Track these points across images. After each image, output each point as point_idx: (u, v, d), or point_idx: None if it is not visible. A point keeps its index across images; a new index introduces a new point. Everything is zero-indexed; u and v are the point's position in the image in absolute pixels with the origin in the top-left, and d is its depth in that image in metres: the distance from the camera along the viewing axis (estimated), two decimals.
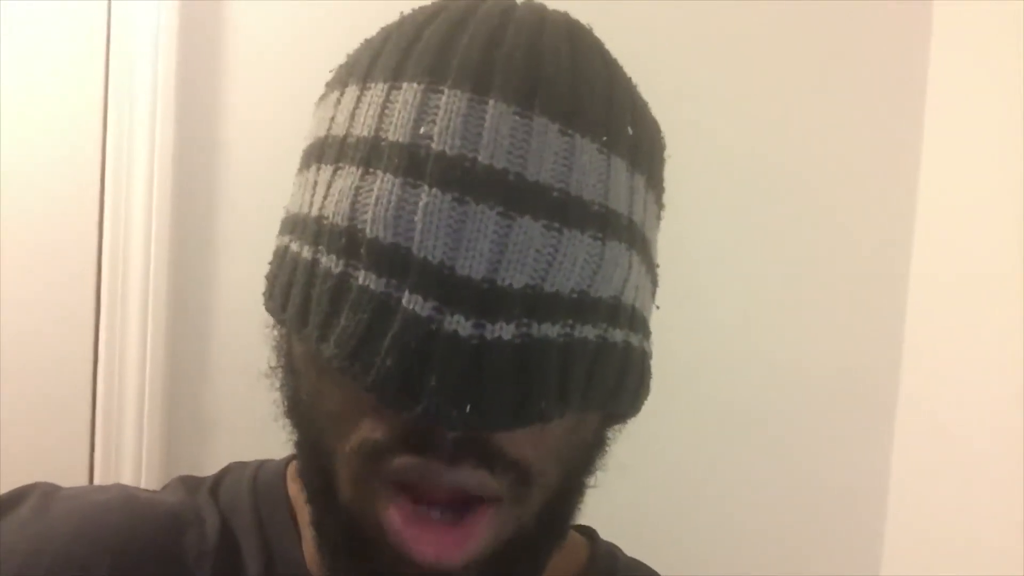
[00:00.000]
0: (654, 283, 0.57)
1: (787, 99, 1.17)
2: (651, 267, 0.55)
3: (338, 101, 0.51)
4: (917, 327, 1.20)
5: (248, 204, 0.94)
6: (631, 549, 0.67)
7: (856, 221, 1.19)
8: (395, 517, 0.47)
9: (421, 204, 0.44)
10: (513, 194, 0.45)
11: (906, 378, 1.21)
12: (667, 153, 0.57)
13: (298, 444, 0.54)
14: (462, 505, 0.48)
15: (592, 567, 0.62)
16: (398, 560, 0.47)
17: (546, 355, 0.46)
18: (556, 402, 0.46)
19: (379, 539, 0.48)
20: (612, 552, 0.65)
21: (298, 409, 0.53)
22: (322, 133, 0.52)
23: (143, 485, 0.91)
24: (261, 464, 0.63)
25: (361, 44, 0.55)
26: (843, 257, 1.19)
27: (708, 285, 1.15)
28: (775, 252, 1.17)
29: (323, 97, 0.55)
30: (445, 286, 0.44)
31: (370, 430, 0.47)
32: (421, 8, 0.52)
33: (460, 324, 0.44)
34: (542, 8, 0.52)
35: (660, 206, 0.56)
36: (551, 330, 0.46)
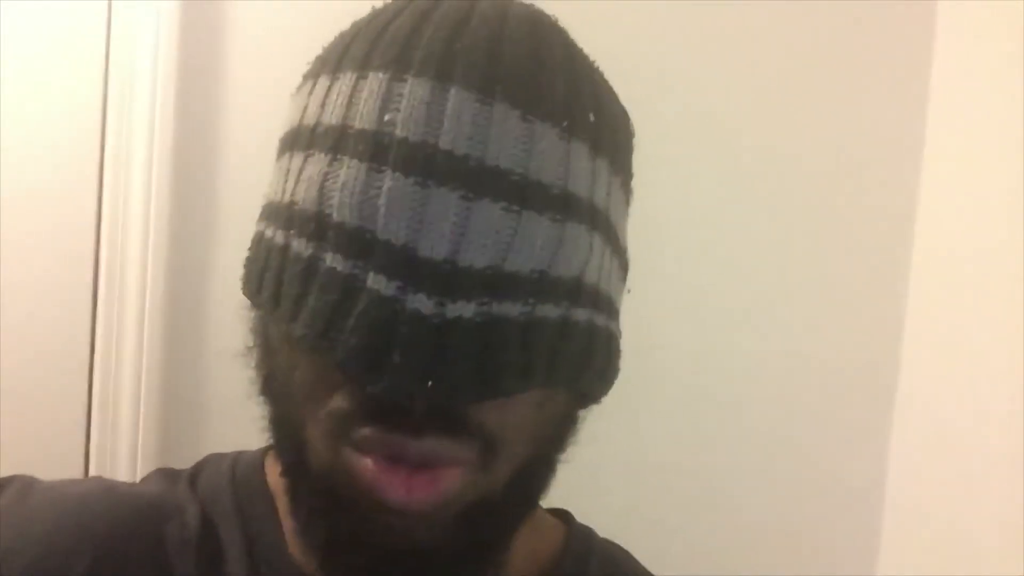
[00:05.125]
0: (623, 267, 0.58)
1: (790, 95, 1.17)
2: (618, 250, 0.56)
3: (311, 91, 0.53)
4: (917, 322, 1.20)
5: (245, 197, 0.96)
6: (627, 545, 0.68)
7: (857, 215, 1.19)
8: (367, 465, 0.48)
9: (384, 188, 0.46)
10: (473, 178, 0.46)
11: (905, 373, 1.20)
12: (637, 141, 0.59)
13: (272, 419, 0.56)
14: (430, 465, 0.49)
15: (568, 548, 0.64)
16: (372, 507, 0.49)
17: (507, 332, 0.47)
18: (519, 378, 0.48)
19: (352, 491, 0.49)
20: (587, 534, 0.66)
21: (273, 385, 0.54)
22: (295, 122, 0.53)
23: (139, 473, 0.93)
24: (239, 455, 0.64)
25: (335, 37, 0.57)
26: (843, 252, 1.19)
27: (706, 278, 1.15)
28: (775, 246, 1.17)
29: (299, 88, 0.56)
30: (408, 267, 0.45)
31: (341, 401, 0.49)
32: (391, 3, 0.54)
33: (422, 303, 0.45)
34: (507, 1, 0.54)
35: (628, 191, 0.58)
36: (512, 308, 0.47)
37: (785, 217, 1.17)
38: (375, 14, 0.53)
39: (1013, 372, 1.05)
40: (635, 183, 0.60)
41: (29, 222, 0.99)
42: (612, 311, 0.56)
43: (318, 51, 0.59)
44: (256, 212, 0.60)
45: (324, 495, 0.51)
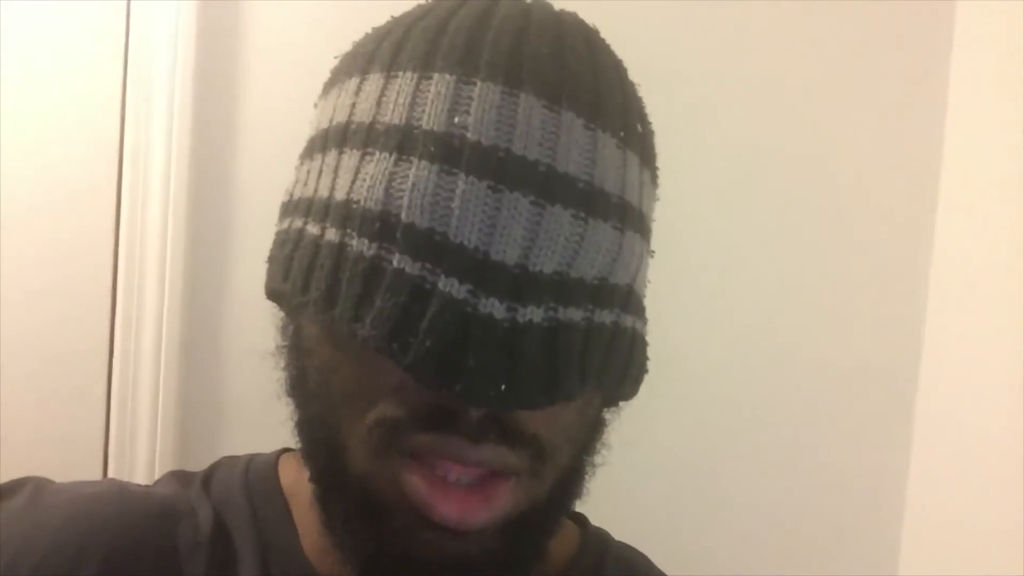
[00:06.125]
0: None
1: (808, 98, 1.18)
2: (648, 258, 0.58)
3: (358, 89, 0.52)
4: (937, 324, 1.19)
5: (263, 198, 0.94)
6: (651, 550, 0.69)
7: (877, 217, 1.20)
8: (418, 482, 0.48)
9: (458, 191, 0.46)
10: (544, 184, 0.46)
11: (925, 375, 1.20)
12: (664, 147, 0.60)
13: (301, 422, 0.54)
14: (481, 479, 0.49)
15: (583, 551, 0.64)
16: (418, 522, 0.48)
17: (571, 338, 0.48)
18: (578, 382, 0.48)
19: (397, 504, 0.49)
20: (603, 536, 0.67)
21: (305, 387, 0.53)
22: (342, 119, 0.52)
23: (156, 475, 0.91)
24: (252, 457, 0.63)
25: (370, 34, 0.56)
26: (863, 253, 1.19)
27: (728, 281, 1.16)
28: (796, 249, 1.18)
29: (334, 84, 0.55)
30: (480, 270, 0.45)
31: (390, 407, 0.48)
32: (436, 2, 0.54)
33: (495, 307, 0.45)
34: (554, 9, 0.54)
35: (656, 200, 0.59)
36: (575, 314, 0.48)
37: (804, 221, 1.18)
38: (422, 13, 0.53)
39: None
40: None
41: (48, 225, 0.97)
42: (645, 317, 0.58)
43: (335, 52, 0.58)
44: (273, 207, 0.59)
45: (361, 504, 0.50)
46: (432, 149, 0.46)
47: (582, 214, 0.47)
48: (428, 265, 0.46)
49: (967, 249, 1.18)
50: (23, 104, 0.96)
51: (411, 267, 0.46)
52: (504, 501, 0.49)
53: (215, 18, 1.00)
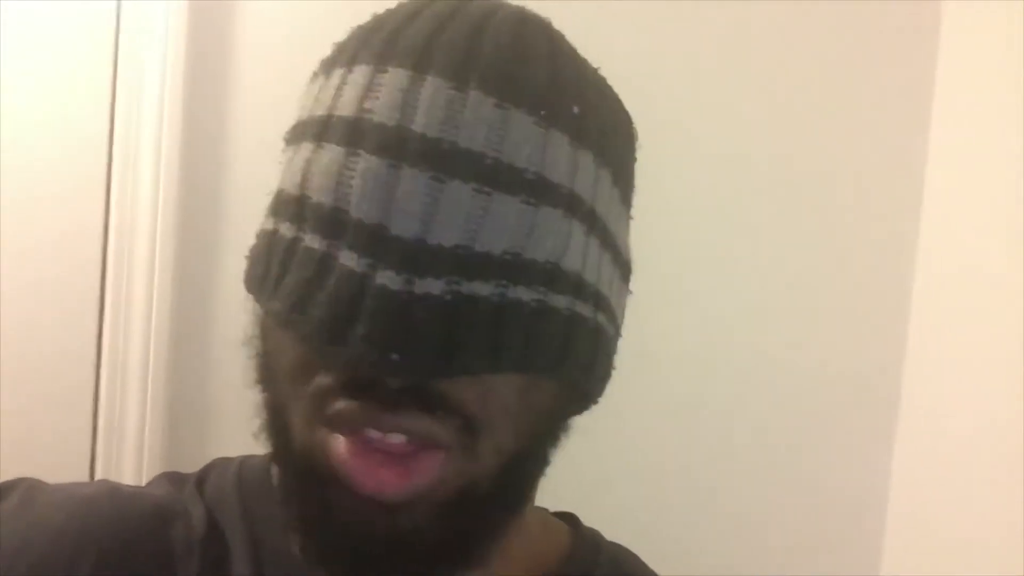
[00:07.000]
0: (619, 264, 0.58)
1: (794, 101, 1.18)
2: (609, 245, 0.56)
3: (307, 88, 0.56)
4: (920, 329, 1.21)
5: (252, 200, 0.98)
6: (641, 550, 0.68)
7: (861, 222, 1.21)
8: (341, 447, 0.49)
9: (359, 170, 0.48)
10: (445, 160, 0.47)
11: (908, 380, 1.22)
12: (639, 146, 0.59)
13: (261, 404, 0.56)
14: (411, 450, 0.49)
15: (574, 551, 0.63)
16: (345, 492, 0.49)
17: (476, 311, 0.48)
18: (489, 357, 0.48)
19: (329, 474, 0.50)
20: (594, 537, 0.66)
21: (264, 371, 0.56)
22: (295, 119, 0.56)
23: (144, 477, 0.94)
24: (245, 459, 0.65)
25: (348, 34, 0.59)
26: (847, 258, 1.20)
27: (711, 285, 1.17)
28: (780, 252, 1.18)
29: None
30: (378, 244, 0.47)
31: (321, 378, 0.50)
32: (400, 4, 0.56)
33: (390, 278, 0.46)
34: (499, 2, 0.55)
35: (624, 189, 0.57)
36: (483, 288, 0.48)
37: (789, 224, 1.18)
38: (383, 14, 0.56)
39: (1015, 380, 1.05)
40: (639, 188, 0.60)
41: (36, 222, 1.00)
42: (601, 304, 0.56)
43: (325, 50, 0.61)
44: (262, 210, 0.62)
45: (304, 476, 0.52)
46: (341, 134, 0.49)
47: (486, 189, 0.48)
48: (333, 241, 0.48)
49: (951, 253, 1.19)
50: (12, 102, 0.99)
51: (319, 244, 0.49)
52: (429, 475, 0.49)
53: (205, 17, 1.04)
